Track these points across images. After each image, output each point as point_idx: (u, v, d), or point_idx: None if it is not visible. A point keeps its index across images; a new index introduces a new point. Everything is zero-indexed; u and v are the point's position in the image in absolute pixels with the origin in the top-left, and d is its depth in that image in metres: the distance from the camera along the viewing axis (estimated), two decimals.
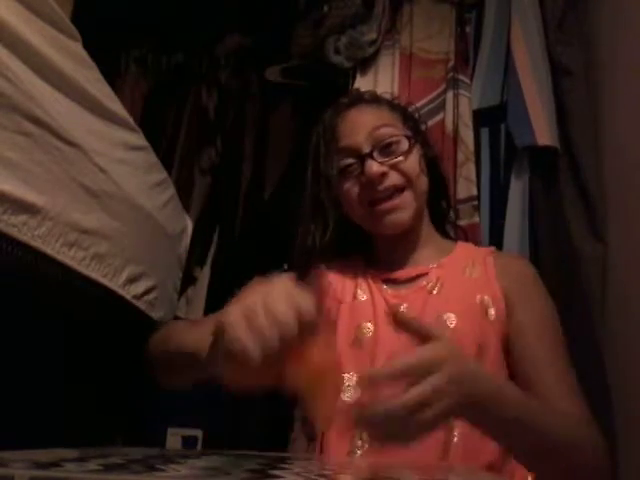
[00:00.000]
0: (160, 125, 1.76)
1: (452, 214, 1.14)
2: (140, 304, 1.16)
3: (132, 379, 1.27)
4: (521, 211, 1.18)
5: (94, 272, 0.94)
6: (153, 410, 1.34)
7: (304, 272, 0.87)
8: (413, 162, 0.85)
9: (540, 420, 0.62)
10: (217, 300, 1.51)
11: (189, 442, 1.31)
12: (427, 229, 0.92)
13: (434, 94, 1.32)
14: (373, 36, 1.36)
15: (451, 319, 0.78)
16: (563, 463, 0.64)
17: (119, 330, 1.13)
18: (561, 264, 1.13)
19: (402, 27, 1.40)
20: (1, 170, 0.70)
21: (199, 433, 1.32)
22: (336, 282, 0.90)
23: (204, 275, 1.56)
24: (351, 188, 0.86)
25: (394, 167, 0.84)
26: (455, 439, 0.70)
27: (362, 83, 1.37)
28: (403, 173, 0.84)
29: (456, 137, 1.25)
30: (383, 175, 0.83)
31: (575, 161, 1.16)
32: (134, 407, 1.30)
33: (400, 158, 0.84)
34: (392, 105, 0.94)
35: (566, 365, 0.76)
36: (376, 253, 0.93)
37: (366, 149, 0.84)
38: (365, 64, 1.39)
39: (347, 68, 1.38)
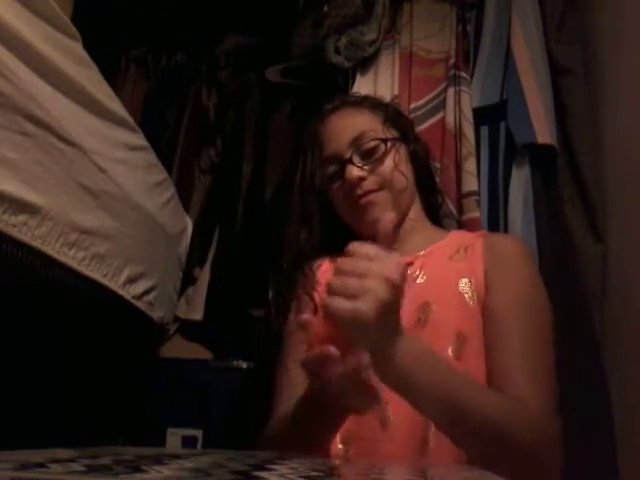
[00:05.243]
0: (160, 125, 1.76)
1: (452, 207, 1.16)
2: (140, 304, 1.16)
3: (132, 379, 1.27)
4: (523, 209, 1.18)
5: (94, 272, 0.94)
6: (153, 410, 1.34)
7: (295, 271, 0.91)
8: (389, 164, 0.88)
9: (468, 400, 0.62)
10: (217, 300, 1.51)
11: (189, 442, 1.31)
12: (417, 220, 0.93)
13: (434, 93, 1.32)
14: (373, 36, 1.36)
15: (431, 308, 0.78)
16: (493, 448, 0.62)
17: (119, 330, 1.13)
18: (561, 263, 1.13)
19: (402, 27, 1.40)
20: (1, 170, 0.70)
21: (199, 433, 1.33)
22: (324, 279, 0.90)
23: (204, 275, 1.56)
24: (337, 193, 0.91)
25: (373, 171, 0.88)
26: (430, 443, 0.70)
27: (362, 83, 1.37)
28: (380, 176, 0.88)
29: (458, 133, 1.25)
30: (361, 179, 0.87)
31: (575, 160, 1.16)
32: (134, 407, 1.30)
33: (377, 163, 0.88)
34: (374, 106, 0.96)
35: (538, 351, 0.73)
36: None
37: (347, 155, 0.88)
38: (365, 64, 1.39)
39: (347, 68, 1.38)
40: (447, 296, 0.80)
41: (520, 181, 1.19)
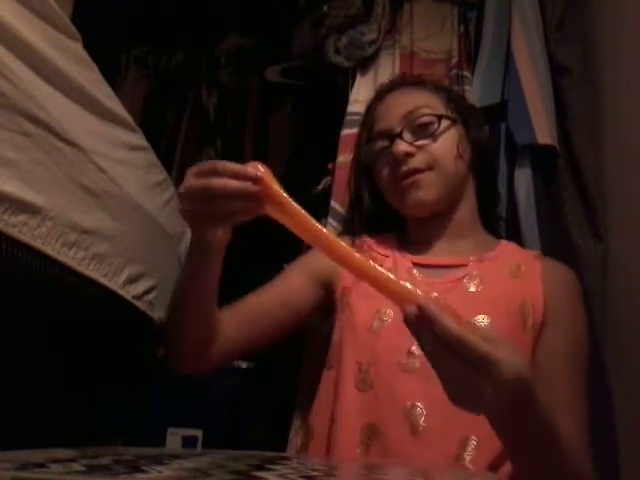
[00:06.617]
0: (160, 125, 1.77)
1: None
2: (140, 304, 1.15)
3: (132, 379, 1.27)
4: (526, 209, 1.17)
5: (94, 272, 0.94)
6: (153, 410, 1.34)
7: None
8: (443, 144, 0.82)
9: (554, 444, 0.58)
10: (217, 300, 1.51)
11: (189, 442, 1.31)
12: (470, 220, 0.87)
13: None
14: (373, 36, 1.36)
15: (484, 322, 0.72)
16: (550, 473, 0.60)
17: (119, 330, 1.12)
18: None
19: (402, 27, 1.40)
20: (1, 170, 0.70)
21: (199, 433, 1.32)
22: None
23: None
24: (382, 169, 0.85)
25: (423, 148, 0.82)
26: (474, 442, 0.68)
27: (362, 83, 1.37)
28: (429, 154, 0.81)
29: None
30: (408, 155, 0.81)
31: (575, 161, 1.16)
32: (134, 407, 1.30)
33: (428, 140, 0.82)
34: (436, 87, 0.90)
35: (580, 395, 0.73)
36: (409, 235, 0.89)
37: (397, 130, 0.82)
38: (365, 64, 1.38)
39: (347, 68, 1.38)
40: (505, 315, 0.75)
41: (522, 182, 1.19)
